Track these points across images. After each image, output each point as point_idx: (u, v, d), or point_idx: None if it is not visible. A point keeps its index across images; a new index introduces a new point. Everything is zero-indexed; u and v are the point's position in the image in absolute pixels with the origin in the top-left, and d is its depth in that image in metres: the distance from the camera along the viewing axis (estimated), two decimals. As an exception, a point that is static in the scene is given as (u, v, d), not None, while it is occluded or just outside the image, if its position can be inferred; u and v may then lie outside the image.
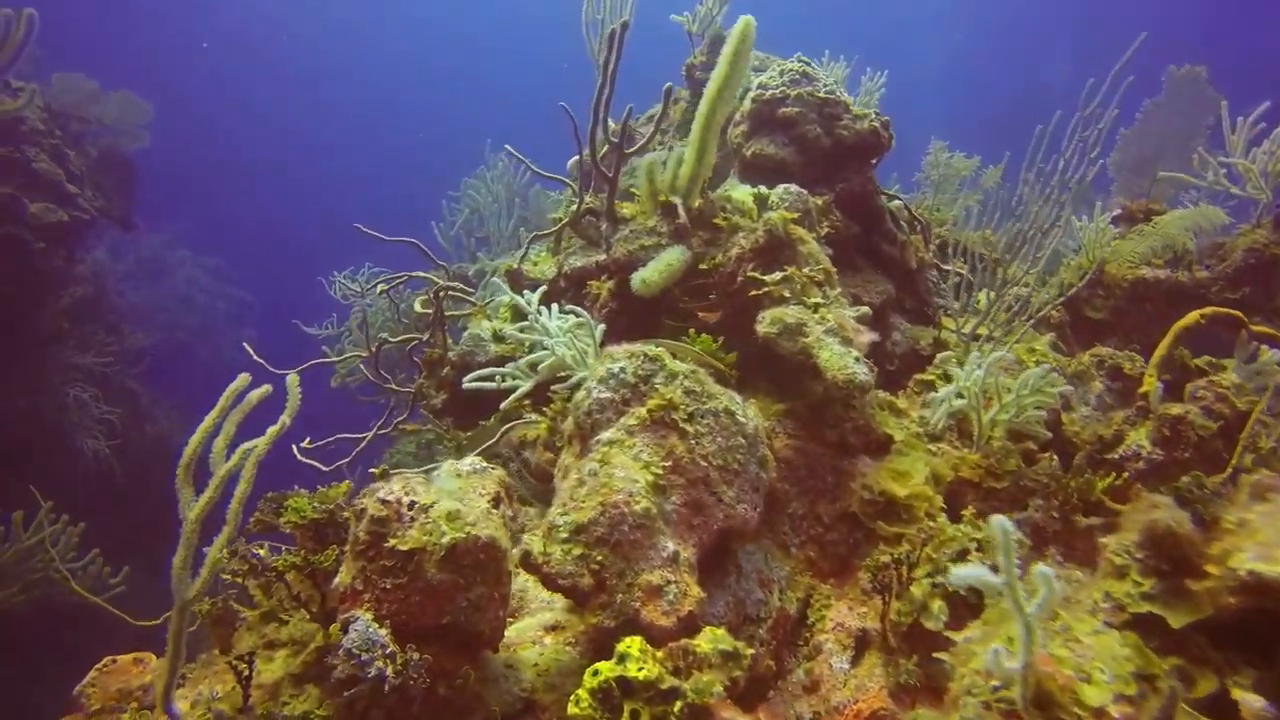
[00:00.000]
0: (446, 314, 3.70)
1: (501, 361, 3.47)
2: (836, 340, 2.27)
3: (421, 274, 4.32)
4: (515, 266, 3.55)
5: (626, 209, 3.08)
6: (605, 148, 4.95)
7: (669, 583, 1.67)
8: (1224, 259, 3.59)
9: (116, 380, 10.05)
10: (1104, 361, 3.20)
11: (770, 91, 3.42)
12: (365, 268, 7.61)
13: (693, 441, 1.90)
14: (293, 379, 1.68)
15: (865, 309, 2.54)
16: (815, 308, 2.39)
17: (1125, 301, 3.71)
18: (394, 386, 3.80)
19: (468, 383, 2.69)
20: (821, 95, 3.42)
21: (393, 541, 1.53)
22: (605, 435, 1.92)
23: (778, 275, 2.46)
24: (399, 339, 3.76)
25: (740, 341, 2.60)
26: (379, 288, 4.07)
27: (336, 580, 1.62)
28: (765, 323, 2.33)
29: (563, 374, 2.69)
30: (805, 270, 2.48)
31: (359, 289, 7.52)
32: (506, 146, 3.88)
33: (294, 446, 3.56)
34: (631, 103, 3.69)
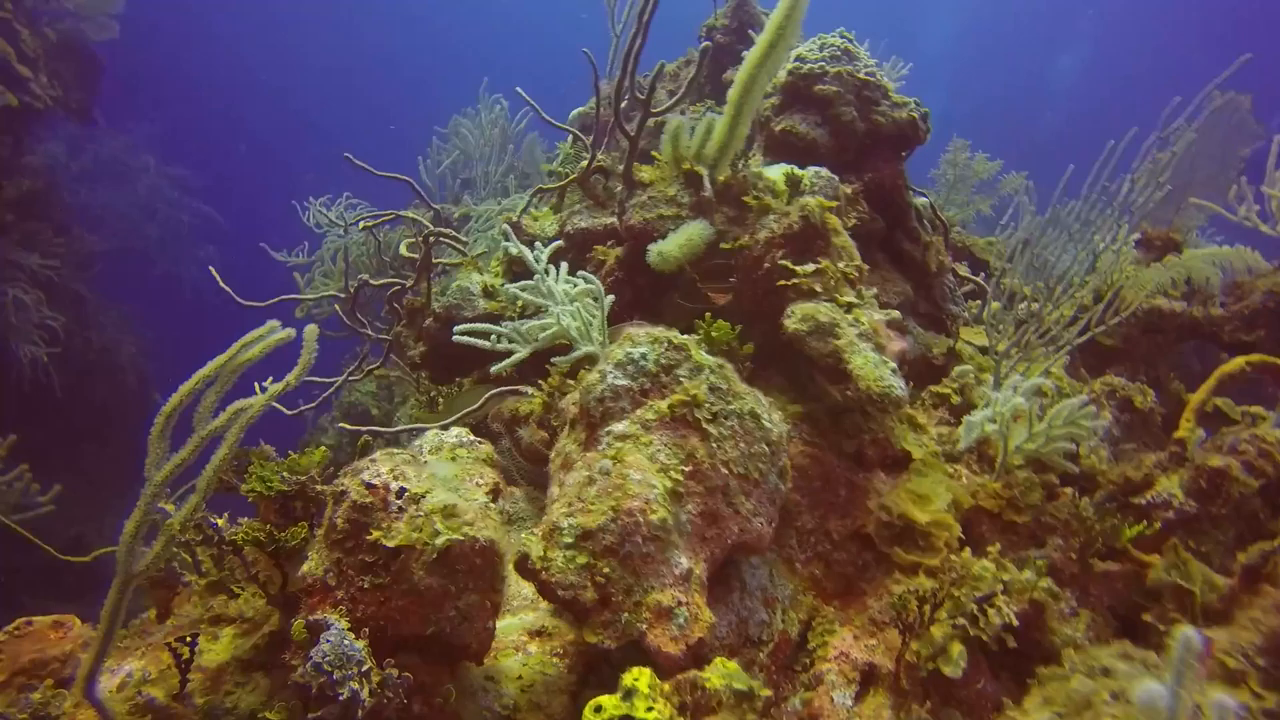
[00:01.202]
0: (433, 261, 3.44)
1: (490, 318, 3.24)
2: (870, 346, 2.10)
3: (410, 214, 4.03)
4: (515, 219, 3.30)
5: (645, 173, 2.84)
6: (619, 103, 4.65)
7: (680, 604, 1.50)
8: (1242, 298, 3.50)
9: (62, 284, 9.52)
10: (1115, 391, 3.09)
11: (808, 65, 3.18)
12: (344, 197, 7.22)
13: (714, 445, 1.72)
14: (311, 330, 1.44)
15: (895, 313, 2.37)
16: (848, 307, 2.20)
17: (1137, 330, 3.60)
18: (369, 332, 3.54)
19: (459, 334, 2.46)
20: (861, 76, 3.20)
21: (376, 534, 1.32)
22: (618, 427, 1.72)
23: (810, 267, 2.26)
24: (381, 282, 3.49)
25: (756, 331, 2.41)
26: (361, 224, 3.77)
27: (305, 567, 1.41)
28: (795, 318, 2.14)
29: (560, 343, 2.48)
30: (840, 265, 2.28)
31: (335, 219, 7.14)
32: (517, 89, 3.58)
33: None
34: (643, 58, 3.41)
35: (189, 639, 1.54)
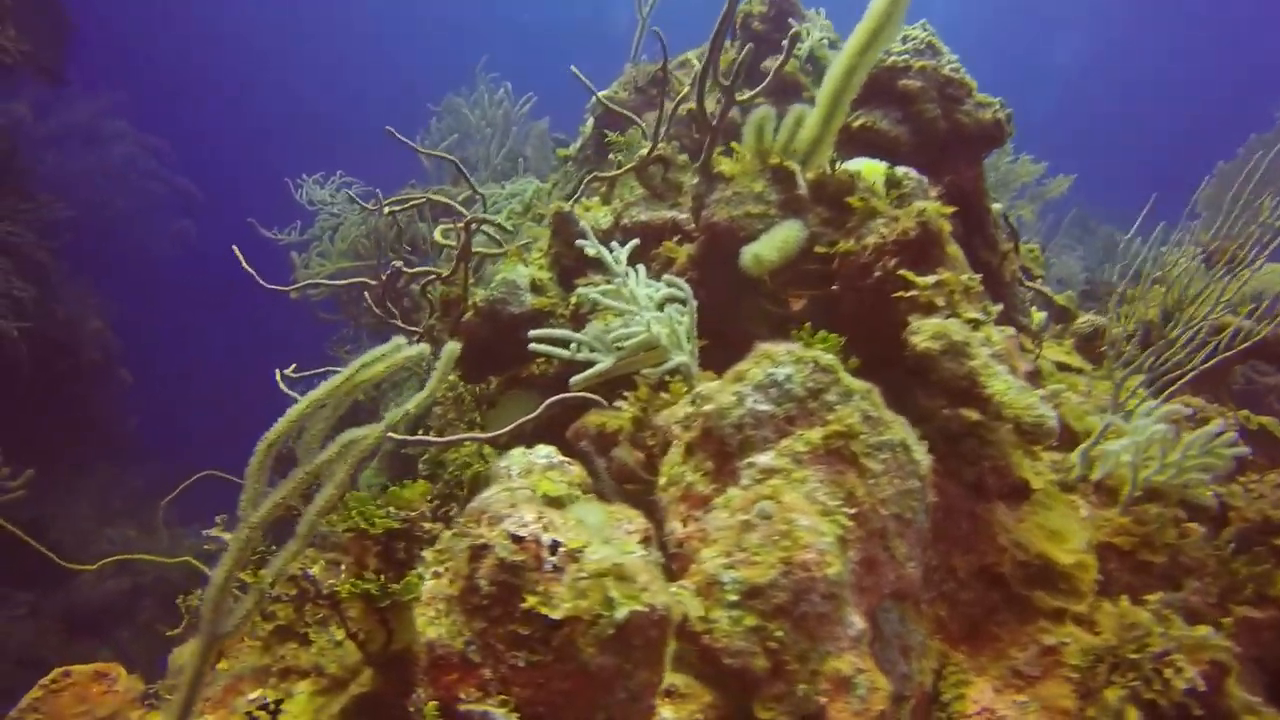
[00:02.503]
0: (448, 245, 3.16)
1: (538, 315, 3.01)
2: (1006, 369, 1.91)
3: (443, 199, 3.75)
4: (567, 209, 3.05)
5: (725, 166, 2.61)
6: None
7: (859, 672, 1.29)
8: (1311, 319, 3.39)
9: (26, 253, 9.03)
10: (1195, 413, 2.96)
11: (892, 58, 2.98)
12: (337, 175, 6.89)
13: (871, 483, 1.51)
14: (452, 349, 1.20)
15: (1011, 330, 2.19)
16: (975, 324, 2.01)
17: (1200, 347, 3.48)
18: (399, 323, 3.26)
19: (534, 341, 2.21)
20: (945, 73, 3.01)
21: (532, 601, 1.09)
22: (763, 460, 1.50)
23: (931, 279, 2.06)
24: (415, 270, 3.21)
25: (856, 344, 2.21)
26: (387, 209, 3.48)
27: (432, 633, 1.17)
28: (925, 335, 1.94)
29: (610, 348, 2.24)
30: (964, 276, 2.09)
31: (329, 198, 6.80)
32: (572, 68, 3.30)
33: (277, 373, 3.02)
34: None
35: (273, 707, 1.30)
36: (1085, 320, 3.56)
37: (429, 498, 1.45)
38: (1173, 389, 2.45)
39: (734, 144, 2.67)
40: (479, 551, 1.14)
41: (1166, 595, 1.84)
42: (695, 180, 2.69)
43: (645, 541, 1.31)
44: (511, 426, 2.49)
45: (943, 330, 1.92)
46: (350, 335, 7.30)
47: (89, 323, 10.22)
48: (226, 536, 1.60)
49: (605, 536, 1.23)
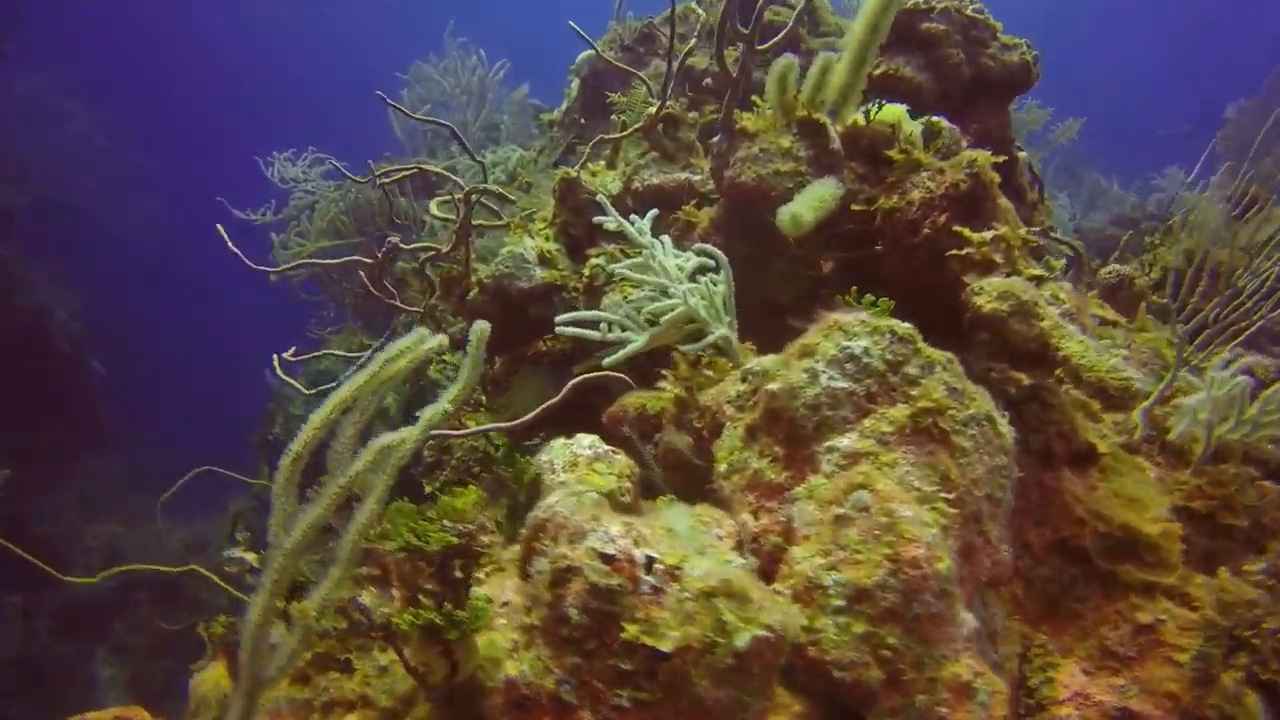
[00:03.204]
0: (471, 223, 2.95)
1: (548, 289, 2.83)
2: (1078, 328, 1.78)
3: (435, 168, 3.52)
4: (573, 175, 2.85)
5: (748, 121, 2.43)
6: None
7: (977, 675, 1.17)
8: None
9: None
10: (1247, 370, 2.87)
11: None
12: (309, 150, 6.58)
13: (963, 462, 1.38)
14: (481, 330, 1.04)
15: (1067, 285, 2.06)
16: (1037, 282, 1.87)
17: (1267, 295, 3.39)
18: (400, 304, 3.06)
19: (561, 326, 2.05)
20: (969, 14, 2.83)
21: (633, 630, 0.94)
22: (845, 443, 1.36)
23: (987, 234, 1.92)
24: (411, 247, 3.01)
25: (899, 309, 2.07)
26: (379, 180, 3.26)
27: (512, 669, 1.02)
28: (990, 295, 1.79)
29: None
30: (1021, 230, 1.95)
31: (302, 175, 6.51)
32: (570, 23, 3.08)
33: (275, 357, 2.82)
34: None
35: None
36: (1110, 270, 3.45)
37: (482, 508, 1.30)
38: (1238, 340, 2.34)
39: (755, 98, 2.48)
40: (564, 575, 0.99)
41: (1267, 564, 1.74)
42: (715, 138, 2.51)
43: (739, 547, 1.17)
44: (535, 413, 2.32)
45: (1009, 289, 1.78)
46: (331, 317, 7.03)
47: (55, 314, 9.84)
48: (250, 557, 1.44)
49: (699, 546, 1.08)
